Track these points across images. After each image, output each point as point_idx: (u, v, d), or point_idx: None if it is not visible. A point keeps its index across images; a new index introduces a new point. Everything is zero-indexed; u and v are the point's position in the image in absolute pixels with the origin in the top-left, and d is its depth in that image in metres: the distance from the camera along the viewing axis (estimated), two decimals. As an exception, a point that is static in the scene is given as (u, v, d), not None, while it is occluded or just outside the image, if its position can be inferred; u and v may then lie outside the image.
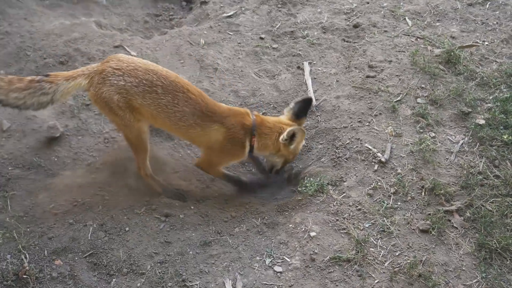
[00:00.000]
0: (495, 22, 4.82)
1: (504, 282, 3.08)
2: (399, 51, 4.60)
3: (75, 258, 3.26)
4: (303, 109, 3.65)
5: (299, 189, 3.73)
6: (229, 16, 5.07)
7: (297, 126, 3.49)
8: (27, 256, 3.23)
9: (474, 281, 3.09)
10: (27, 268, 3.16)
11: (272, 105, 4.28)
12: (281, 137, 3.47)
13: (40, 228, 3.41)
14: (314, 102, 4.13)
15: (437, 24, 4.87)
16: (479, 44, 4.61)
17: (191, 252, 3.29)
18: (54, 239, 3.35)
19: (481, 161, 3.71)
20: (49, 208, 3.54)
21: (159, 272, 3.18)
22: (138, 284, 3.13)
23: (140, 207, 3.58)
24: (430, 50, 4.58)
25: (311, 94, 4.30)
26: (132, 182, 3.76)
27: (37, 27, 4.85)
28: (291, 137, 3.47)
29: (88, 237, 3.37)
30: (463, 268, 3.16)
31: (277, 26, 4.96)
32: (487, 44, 4.60)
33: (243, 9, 5.16)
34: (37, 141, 3.93)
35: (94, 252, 3.29)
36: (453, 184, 3.58)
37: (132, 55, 4.51)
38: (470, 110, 4.04)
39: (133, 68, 3.36)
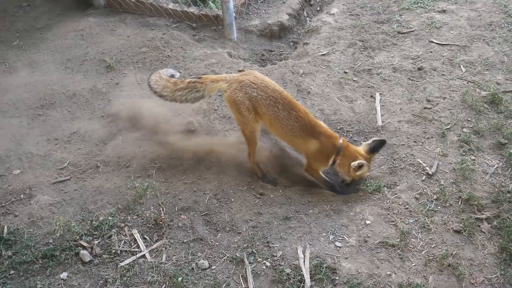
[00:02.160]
0: (535, 74, 4.43)
1: (519, 280, 2.85)
2: (452, 91, 4.35)
3: (195, 215, 3.39)
4: (378, 147, 3.57)
5: (362, 187, 3.65)
6: (323, 55, 5.03)
7: (365, 161, 3.44)
8: (164, 209, 3.41)
9: (494, 276, 2.87)
10: (163, 217, 3.34)
11: (347, 123, 4.19)
12: (352, 164, 3.42)
13: (174, 191, 3.57)
14: (380, 123, 4.00)
15: (486, 72, 4.54)
16: (520, 90, 4.26)
17: (275, 223, 3.32)
18: (182, 200, 3.50)
19: (511, 183, 3.43)
20: (182, 178, 3.70)
21: (251, 233, 3.23)
22: (235, 240, 3.20)
23: (243, 185, 3.63)
24: (478, 92, 4.28)
25: (378, 117, 4.16)
26: (240, 167, 3.81)
27: (188, 53, 5.07)
28: (360, 166, 3.41)
29: (205, 202, 3.48)
30: (486, 265, 2.94)
31: (358, 64, 4.86)
32: (527, 91, 4.24)
33: (334, 50, 5.10)
34: (180, 131, 4.11)
35: (208, 213, 3.40)
36: (485, 198, 3.35)
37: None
38: (506, 141, 3.75)
39: (265, 86, 3.45)
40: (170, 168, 3.77)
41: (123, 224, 3.31)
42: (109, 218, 3.33)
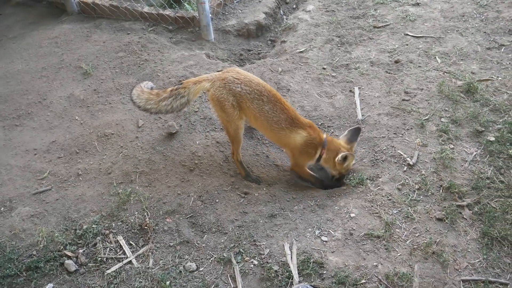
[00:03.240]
0: (508, 63, 4.51)
1: (501, 263, 2.90)
2: (429, 82, 4.42)
3: (180, 218, 3.38)
4: (354, 135, 3.62)
5: (345, 181, 3.68)
6: (301, 52, 5.06)
7: (349, 152, 3.49)
8: (148, 213, 3.40)
9: (477, 260, 2.93)
10: (148, 222, 3.32)
11: (328, 118, 4.23)
12: (336, 158, 3.47)
13: (158, 195, 3.56)
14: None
15: (461, 62, 4.62)
16: (494, 79, 4.33)
17: (261, 221, 3.33)
18: (166, 204, 3.49)
19: (489, 169, 3.50)
20: (165, 182, 3.68)
21: (237, 233, 3.24)
22: (222, 240, 3.20)
23: (227, 186, 3.64)
24: (454, 82, 4.36)
25: (358, 111, 4.21)
26: (223, 167, 3.82)
27: (166, 56, 5.05)
28: (344, 158, 3.45)
29: (190, 204, 3.48)
30: (469, 250, 3.00)
31: (336, 60, 4.90)
32: (500, 79, 4.31)
33: (311, 47, 5.14)
34: (160, 135, 4.11)
35: (193, 215, 3.40)
36: (465, 185, 3.41)
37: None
38: (483, 129, 3.82)
39: (248, 80, 3.46)
40: (153, 172, 3.76)
41: (107, 231, 3.28)
42: (93, 226, 3.30)
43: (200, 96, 4.29)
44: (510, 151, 3.58)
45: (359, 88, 4.50)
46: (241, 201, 3.51)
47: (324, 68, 4.78)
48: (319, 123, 4.16)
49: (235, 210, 3.42)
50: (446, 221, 3.18)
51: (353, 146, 3.64)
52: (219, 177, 3.72)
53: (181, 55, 5.05)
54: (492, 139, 3.71)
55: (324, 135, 3.55)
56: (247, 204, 3.48)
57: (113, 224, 3.33)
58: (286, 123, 3.44)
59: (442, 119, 4.00)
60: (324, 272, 2.93)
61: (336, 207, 3.40)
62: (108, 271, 3.03)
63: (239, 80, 3.44)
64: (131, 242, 3.22)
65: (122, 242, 3.22)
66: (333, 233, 3.19)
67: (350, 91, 4.50)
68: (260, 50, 5.52)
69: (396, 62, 4.72)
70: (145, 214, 3.38)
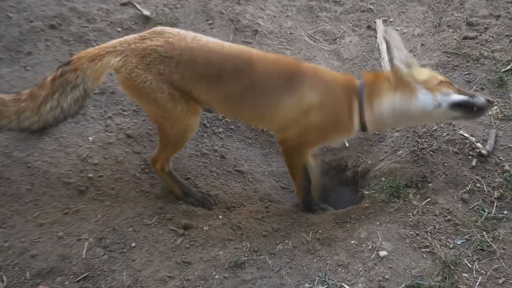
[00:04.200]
0: None
1: None
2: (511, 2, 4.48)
3: (65, 283, 3.26)
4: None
5: (367, 192, 3.70)
6: (276, -40, 5.02)
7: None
8: (4, 279, 3.26)
9: None
10: (3, 296, 3.21)
11: (331, 79, 4.22)
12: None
13: (21, 243, 3.43)
14: None
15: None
16: None
17: (217, 277, 3.26)
18: (38, 257, 3.36)
19: None
20: (33, 217, 3.58)
21: (174, 306, 3.16)
22: (146, 324, 3.13)
23: (151, 216, 3.60)
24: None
25: (385, 63, 4.20)
26: (142, 182, 3.80)
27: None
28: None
29: (82, 255, 3.38)
30: None
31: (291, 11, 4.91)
32: None
33: (294, -51, 5.09)
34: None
35: (89, 275, 3.30)
36: None
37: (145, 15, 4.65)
38: None
39: (190, 53, 3.48)
40: (10, 200, 3.65)
41: None
42: None
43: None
44: None
45: (384, 21, 4.50)
46: (178, 242, 3.46)
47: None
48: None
49: (169, 260, 3.35)
50: (554, 253, 3.17)
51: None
52: (135, 200, 3.67)
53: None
54: None
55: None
56: (189, 247, 3.43)
57: None
58: (278, 86, 3.47)
59: (536, 69, 4.03)
60: None
61: (353, 241, 3.37)
62: None
63: (172, 54, 3.45)
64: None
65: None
66: (349, 288, 3.15)
67: (369, 27, 4.51)
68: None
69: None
70: (-1, 280, 3.28)
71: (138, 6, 4.77)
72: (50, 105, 3.55)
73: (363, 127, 3.50)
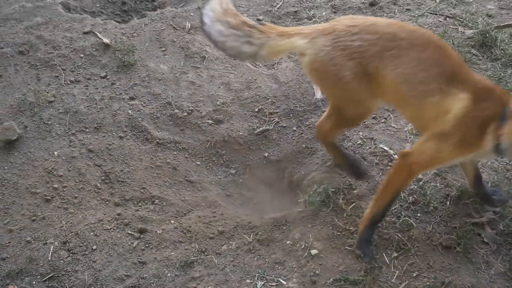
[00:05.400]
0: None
1: (541, 307, 3.11)
2: (424, 33, 4.58)
3: (33, 282, 3.35)
4: None
5: (301, 199, 3.78)
6: (221, -5, 5.11)
7: None
8: (-24, 280, 3.34)
9: (507, 306, 3.12)
10: (-25, 295, 3.28)
11: (269, 100, 4.35)
12: None
13: (-8, 247, 3.51)
14: (318, 96, 4.18)
15: (470, 0, 4.88)
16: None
17: (169, 275, 3.37)
18: (8, 260, 3.46)
19: (518, 164, 3.73)
20: (3, 224, 3.65)
21: (130, 300, 3.27)
22: (105, 315, 3.24)
23: (110, 221, 3.66)
24: (461, 31, 4.56)
25: (316, 87, 4.33)
26: (102, 192, 3.86)
27: (-7, 11, 4.98)
28: None
29: (48, 257, 3.46)
30: (493, 291, 3.17)
31: (277, 6, 5.03)
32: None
33: (237, -15, 5.24)
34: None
35: (55, 275, 3.38)
36: (484, 192, 3.58)
37: (105, 42, 4.71)
38: (508, 102, 4.01)
39: (370, 24, 3.22)
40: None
41: None
42: None
43: (55, 76, 4.26)
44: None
45: (316, 49, 4.56)
46: (134, 244, 3.55)
47: (259, 19, 4.87)
48: (256, 109, 4.30)
49: (126, 261, 3.45)
50: (457, 248, 3.33)
51: None
52: (96, 208, 3.74)
53: (20, 8, 5.01)
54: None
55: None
56: (144, 249, 3.52)
57: None
58: (438, 81, 3.03)
59: (446, 91, 4.16)
60: None
61: (288, 241, 3.49)
62: None
63: (356, 27, 3.18)
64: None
65: None
66: (285, 283, 3.27)
67: (303, 54, 4.55)
68: (154, -5, 5.57)
69: (372, 4, 4.89)
70: (-29, 280, 3.34)
71: (99, 34, 4.83)
72: (221, 29, 3.36)
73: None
